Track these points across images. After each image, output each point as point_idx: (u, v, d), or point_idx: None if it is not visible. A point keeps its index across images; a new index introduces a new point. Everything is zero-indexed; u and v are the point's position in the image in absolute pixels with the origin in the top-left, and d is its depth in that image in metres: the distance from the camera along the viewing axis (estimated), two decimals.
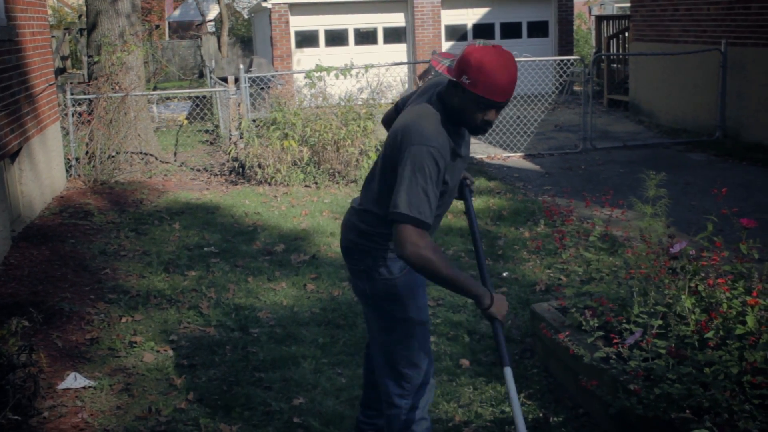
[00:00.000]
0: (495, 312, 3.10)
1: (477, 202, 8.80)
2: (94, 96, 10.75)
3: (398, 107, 3.48)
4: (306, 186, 9.97)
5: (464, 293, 3.08)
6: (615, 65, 17.18)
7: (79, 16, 26.46)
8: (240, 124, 10.80)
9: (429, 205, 2.97)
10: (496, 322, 3.13)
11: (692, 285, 3.92)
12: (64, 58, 23.44)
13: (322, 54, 18.51)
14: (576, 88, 18.63)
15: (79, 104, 11.17)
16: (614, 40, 17.59)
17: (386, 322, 3.33)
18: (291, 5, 18.77)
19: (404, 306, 3.29)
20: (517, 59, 12.42)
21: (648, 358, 3.66)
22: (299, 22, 19.11)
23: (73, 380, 4.69)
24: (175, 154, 12.10)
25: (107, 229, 8.07)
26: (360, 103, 10.43)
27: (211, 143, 13.29)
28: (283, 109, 10.33)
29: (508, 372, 3.08)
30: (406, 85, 15.52)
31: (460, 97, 3.05)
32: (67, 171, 10.28)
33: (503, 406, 4.33)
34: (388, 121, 3.56)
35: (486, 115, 3.05)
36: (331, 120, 10.09)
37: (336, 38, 19.42)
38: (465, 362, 4.87)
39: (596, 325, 4.14)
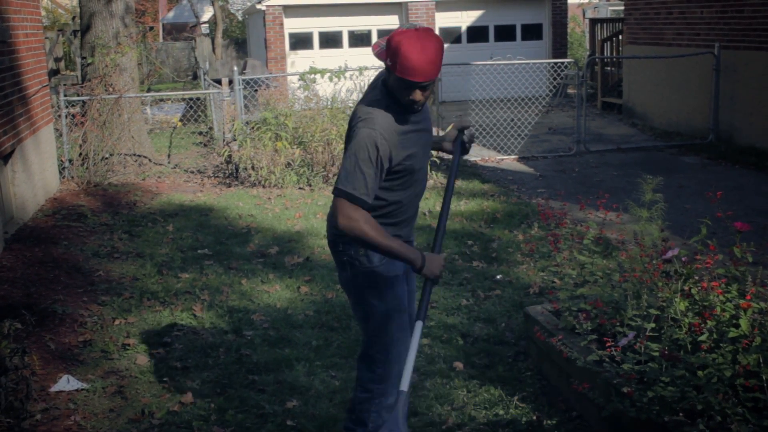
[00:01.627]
0: (427, 272, 3.31)
1: (471, 205, 8.81)
2: (87, 97, 10.73)
3: None
4: (300, 188, 9.96)
5: (398, 258, 3.29)
6: (609, 68, 17.21)
7: (73, 18, 26.38)
8: (233, 125, 10.79)
9: (365, 183, 3.19)
10: (428, 281, 3.34)
11: (686, 288, 3.93)
12: (57, 60, 23.37)
13: (317, 56, 18.50)
14: (570, 90, 18.65)
15: (73, 106, 11.14)
16: (608, 43, 17.61)
17: (364, 310, 3.52)
18: (285, 7, 18.76)
19: (382, 294, 3.46)
20: (510, 62, 12.39)
21: (641, 361, 3.67)
22: (293, 24, 19.09)
23: (66, 383, 4.68)
24: (168, 155, 12.08)
25: (100, 230, 8.05)
26: (351, 104, 10.42)
27: (205, 145, 13.28)
28: (274, 110, 10.32)
29: (419, 325, 3.29)
30: None
31: (392, 79, 3.25)
32: (60, 173, 10.26)
33: (497, 408, 4.33)
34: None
35: (411, 94, 3.24)
36: (322, 121, 10.08)
37: (330, 40, 19.41)
38: (459, 365, 4.87)
39: (589, 328, 4.14)
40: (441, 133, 11.68)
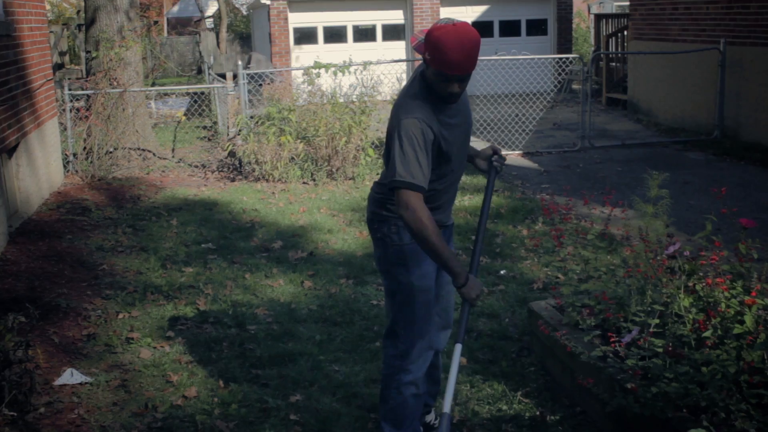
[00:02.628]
0: (466, 292, 3.43)
1: (475, 200, 8.79)
2: (92, 92, 10.74)
3: None
4: (304, 182, 9.96)
5: (444, 265, 3.41)
6: (614, 64, 17.17)
7: (78, 12, 26.40)
8: (237, 120, 10.79)
9: (421, 170, 3.33)
10: (465, 303, 3.48)
11: (690, 284, 3.92)
12: (62, 54, 23.39)
13: (321, 51, 18.48)
14: (575, 86, 18.63)
15: (77, 100, 11.14)
16: (613, 38, 17.58)
17: (392, 286, 3.69)
18: (290, 2, 18.75)
19: (409, 271, 3.60)
20: (515, 57, 12.34)
21: (645, 357, 3.66)
22: (298, 19, 19.08)
23: (70, 376, 4.68)
24: (173, 150, 12.08)
25: (105, 225, 8.06)
26: (355, 99, 10.41)
27: (209, 139, 13.28)
28: (278, 104, 10.32)
29: (458, 348, 3.44)
30: (404, 83, 15.47)
31: (430, 72, 3.39)
32: (64, 166, 10.27)
33: (500, 404, 4.32)
34: None
35: (449, 87, 3.38)
36: (326, 115, 10.07)
37: (335, 35, 19.40)
38: (462, 360, 4.86)
39: (593, 323, 4.14)
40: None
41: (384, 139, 3.89)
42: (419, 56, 3.57)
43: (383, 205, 3.62)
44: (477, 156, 3.94)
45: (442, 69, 3.32)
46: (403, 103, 3.46)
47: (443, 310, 3.92)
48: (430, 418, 4.14)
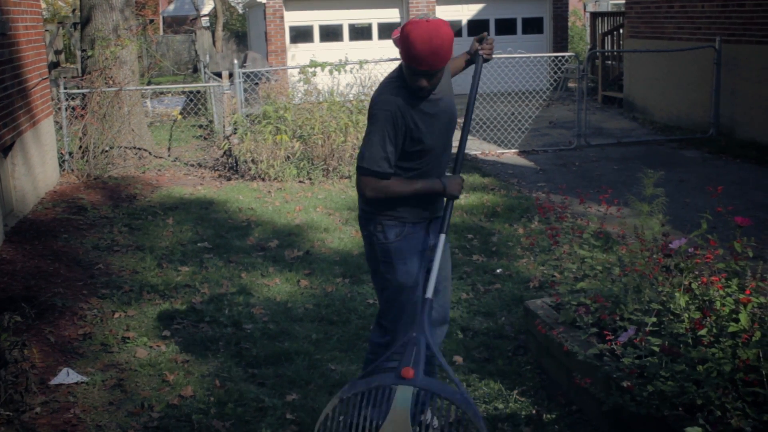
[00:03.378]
0: (449, 192, 3.63)
1: (471, 199, 8.80)
2: (87, 90, 10.72)
3: None
4: (300, 181, 9.95)
5: (427, 193, 3.63)
6: (609, 62, 17.19)
7: (73, 10, 26.35)
8: (234, 119, 10.78)
9: (386, 160, 3.50)
10: (449, 200, 3.67)
11: (686, 283, 3.92)
12: (57, 52, 23.34)
13: (317, 49, 18.48)
14: (570, 84, 18.64)
15: (73, 98, 11.13)
16: (609, 36, 17.60)
17: (380, 283, 3.79)
18: (286, 0, 18.73)
19: (394, 269, 3.70)
20: (511, 55, 12.33)
21: (641, 356, 3.66)
22: (294, 18, 19.07)
23: (66, 376, 4.68)
24: (168, 149, 12.07)
25: (100, 224, 8.05)
26: (351, 98, 10.41)
27: (205, 138, 13.27)
28: (275, 103, 10.31)
29: (442, 237, 3.62)
30: None
31: (403, 65, 3.50)
32: (60, 165, 10.25)
33: (496, 402, 4.33)
34: None
35: (418, 81, 3.46)
36: (322, 114, 10.07)
37: (331, 34, 19.38)
38: (458, 359, 4.87)
39: (590, 321, 4.14)
40: None
41: None
42: None
43: (370, 203, 3.70)
44: (465, 55, 4.08)
45: (409, 63, 3.42)
46: (378, 92, 3.59)
47: (440, 306, 3.95)
48: (426, 417, 4.12)
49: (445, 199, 3.70)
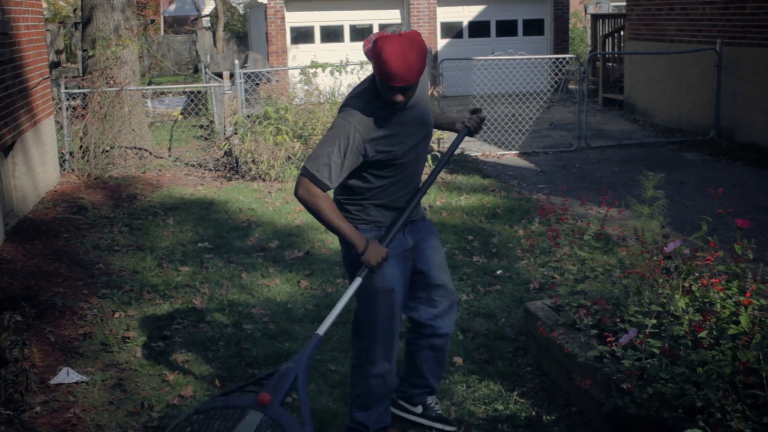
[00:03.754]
0: (365, 259, 3.51)
1: (471, 200, 8.80)
2: (88, 90, 10.72)
3: None
4: None
5: (343, 238, 3.55)
6: (610, 64, 17.19)
7: (74, 10, 26.36)
8: (234, 119, 10.79)
9: (329, 169, 3.40)
10: (363, 267, 3.54)
11: (686, 285, 3.92)
12: (58, 52, 23.35)
13: (318, 50, 18.48)
14: (571, 86, 18.64)
15: (74, 98, 11.14)
16: (610, 38, 17.60)
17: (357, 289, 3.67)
18: (287, 1, 18.74)
19: (371, 275, 3.60)
20: (511, 57, 12.32)
21: (641, 358, 3.66)
22: (295, 18, 19.07)
23: (66, 375, 4.68)
24: (169, 149, 12.08)
25: (101, 223, 8.05)
26: None
27: (206, 138, 13.27)
28: (276, 104, 10.31)
29: (357, 280, 3.57)
30: None
31: (377, 78, 3.39)
32: (60, 165, 10.26)
33: (496, 404, 4.33)
34: None
35: (393, 96, 3.39)
36: (323, 115, 10.07)
37: (331, 34, 19.39)
38: (458, 360, 4.87)
39: (590, 323, 4.14)
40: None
41: None
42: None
43: (342, 207, 3.66)
44: (455, 122, 3.97)
45: (383, 80, 3.33)
46: (346, 102, 3.53)
47: (447, 293, 4.00)
48: (431, 400, 4.19)
49: (362, 261, 3.54)
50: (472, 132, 3.89)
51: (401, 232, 3.73)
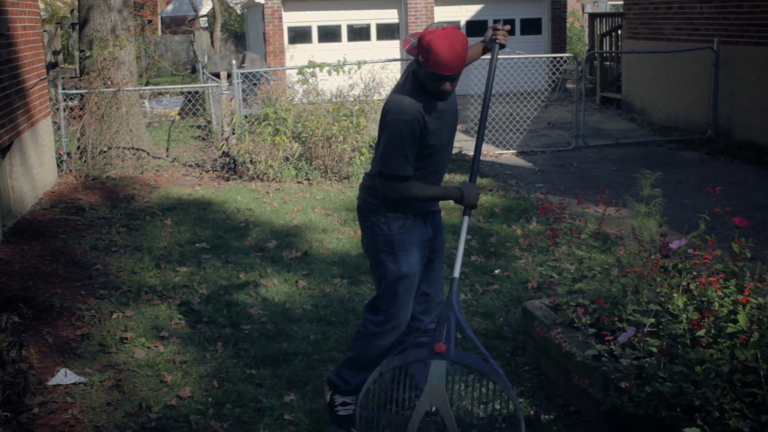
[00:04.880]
0: (467, 202, 3.84)
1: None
2: (85, 91, 10.71)
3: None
4: (298, 182, 9.95)
5: (443, 198, 3.91)
6: (608, 63, 17.19)
7: (72, 11, 26.35)
8: (232, 119, 10.78)
9: (407, 162, 3.71)
10: (466, 209, 3.88)
11: (684, 284, 3.92)
12: (55, 53, 23.35)
13: (315, 50, 18.47)
14: (569, 85, 18.64)
15: (71, 99, 11.12)
16: (607, 37, 17.60)
17: (380, 271, 3.95)
18: (284, 1, 18.72)
19: (397, 258, 3.89)
20: (509, 56, 12.33)
21: (640, 357, 3.66)
22: (292, 18, 19.06)
23: (63, 376, 4.67)
24: (167, 149, 12.06)
25: (99, 224, 8.04)
26: (351, 99, 10.40)
27: (204, 139, 13.26)
28: (274, 105, 10.31)
29: (465, 219, 3.88)
30: None
31: (423, 72, 3.70)
32: (58, 166, 10.24)
33: (494, 403, 4.32)
34: None
35: (442, 85, 3.70)
36: (321, 116, 10.07)
37: (329, 34, 19.38)
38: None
39: (588, 322, 4.14)
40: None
41: None
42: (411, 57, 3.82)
43: (374, 194, 3.89)
44: (480, 43, 4.22)
45: (435, 70, 3.62)
46: (395, 100, 3.76)
47: (440, 290, 4.22)
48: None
49: (463, 205, 3.87)
50: (504, 44, 4.10)
51: (423, 222, 3.99)
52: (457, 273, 3.79)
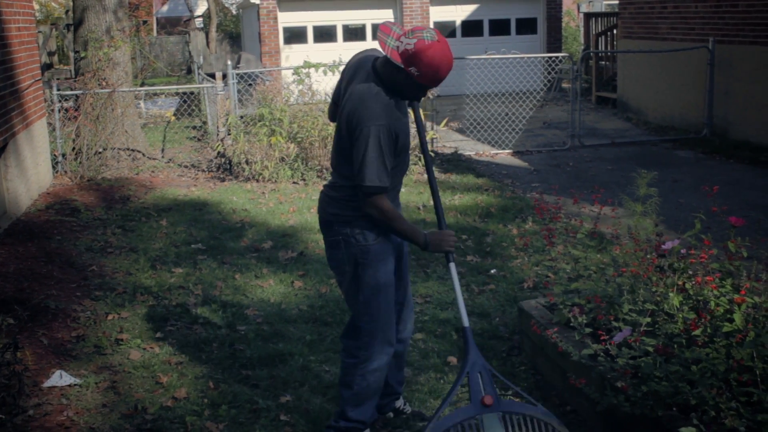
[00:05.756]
0: (433, 248, 3.68)
1: (465, 199, 8.79)
2: (80, 92, 10.69)
3: (336, 100, 3.85)
4: (294, 182, 9.94)
5: (410, 237, 3.68)
6: (603, 62, 17.21)
7: (66, 12, 26.30)
8: (227, 120, 10.76)
9: (386, 172, 3.54)
10: (449, 255, 3.73)
11: (680, 283, 3.92)
12: (50, 54, 23.31)
13: (311, 50, 18.45)
14: (564, 85, 18.65)
15: (66, 100, 11.09)
16: (603, 37, 17.61)
17: (357, 284, 3.77)
18: (279, 1, 18.71)
19: (375, 269, 3.72)
20: (505, 56, 12.32)
21: (636, 356, 3.66)
22: (288, 18, 19.05)
23: (59, 378, 4.66)
24: (162, 150, 12.05)
25: (94, 225, 8.03)
26: None
27: (199, 139, 13.25)
28: (270, 105, 10.29)
29: (452, 266, 3.74)
30: None
31: (404, 80, 3.53)
32: (53, 167, 10.22)
33: None
34: (332, 114, 3.92)
35: (423, 94, 3.65)
36: (317, 116, 10.06)
37: (324, 34, 19.37)
38: (452, 359, 4.87)
39: (584, 322, 4.14)
40: (435, 127, 11.58)
41: None
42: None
43: (347, 205, 3.70)
44: None
45: (431, 84, 3.54)
46: (366, 107, 3.53)
47: (409, 298, 4.08)
48: (400, 403, 4.26)
49: (431, 251, 3.75)
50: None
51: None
52: (466, 322, 3.63)
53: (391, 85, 3.57)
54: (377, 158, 3.49)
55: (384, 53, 3.58)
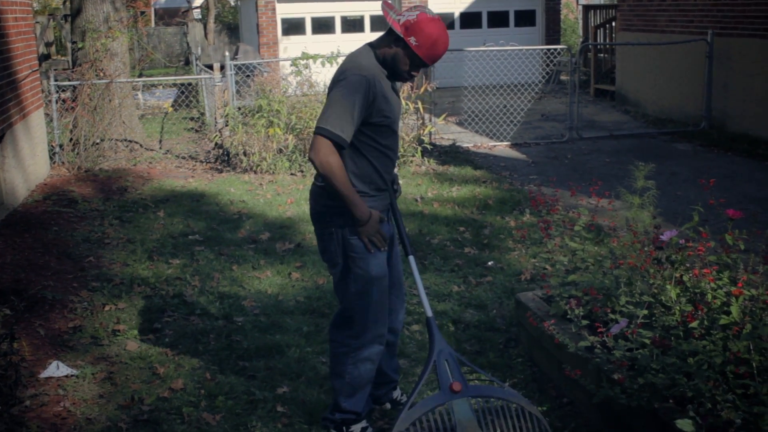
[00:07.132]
0: (362, 231, 3.60)
1: (463, 191, 8.79)
2: (78, 82, 10.67)
3: None
4: (292, 174, 9.93)
5: (350, 207, 3.54)
6: (602, 55, 17.18)
7: (64, 2, 26.22)
8: (225, 111, 10.75)
9: (352, 126, 3.47)
10: (406, 248, 3.78)
11: (677, 275, 3.92)
12: (48, 44, 23.26)
13: (309, 42, 18.41)
14: (563, 77, 18.63)
15: (63, 91, 11.07)
16: (601, 29, 17.59)
17: (348, 276, 3.74)
18: None
19: (366, 262, 3.68)
20: (503, 48, 12.31)
21: (632, 348, 3.66)
22: (286, 10, 19.00)
23: (56, 369, 4.66)
24: (160, 141, 12.04)
25: (91, 216, 8.02)
26: None
27: (197, 131, 13.23)
28: (268, 97, 10.28)
29: (412, 259, 3.78)
30: None
31: (399, 50, 3.59)
32: (50, 158, 10.21)
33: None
34: None
35: (414, 70, 3.65)
36: (315, 108, 10.05)
37: (323, 26, 19.33)
38: None
39: (581, 314, 4.14)
40: (433, 119, 11.56)
41: None
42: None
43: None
44: None
45: (425, 58, 3.58)
46: (352, 60, 3.60)
47: (401, 290, 4.08)
48: (397, 394, 4.26)
49: (359, 230, 3.63)
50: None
51: (386, 219, 3.82)
52: (429, 312, 3.68)
53: (384, 57, 3.62)
54: (346, 107, 3.44)
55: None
